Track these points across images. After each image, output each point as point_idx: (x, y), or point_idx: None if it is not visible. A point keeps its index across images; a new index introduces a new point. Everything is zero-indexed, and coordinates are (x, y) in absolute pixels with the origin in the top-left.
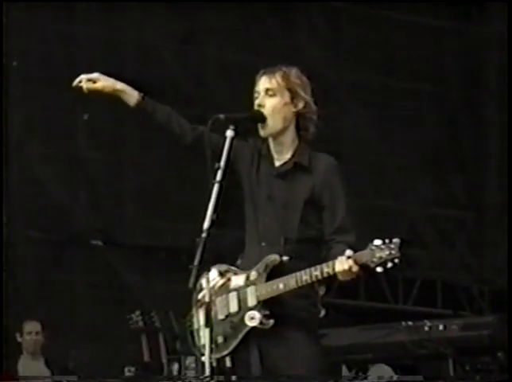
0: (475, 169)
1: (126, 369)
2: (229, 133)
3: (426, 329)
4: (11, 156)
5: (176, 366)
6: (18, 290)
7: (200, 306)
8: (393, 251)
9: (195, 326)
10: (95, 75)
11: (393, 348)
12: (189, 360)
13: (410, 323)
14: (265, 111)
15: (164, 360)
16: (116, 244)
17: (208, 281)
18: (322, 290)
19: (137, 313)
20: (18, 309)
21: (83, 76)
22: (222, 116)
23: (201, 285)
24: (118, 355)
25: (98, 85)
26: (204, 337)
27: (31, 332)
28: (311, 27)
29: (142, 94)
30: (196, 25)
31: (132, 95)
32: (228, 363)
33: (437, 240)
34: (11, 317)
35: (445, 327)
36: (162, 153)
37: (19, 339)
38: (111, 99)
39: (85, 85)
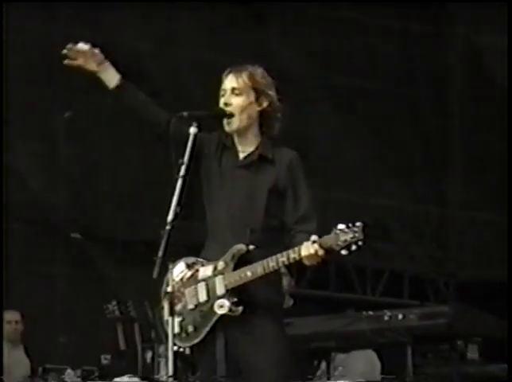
0: (439, 165)
1: (103, 357)
2: (192, 130)
3: (386, 318)
4: None
5: (149, 354)
6: None
7: (168, 299)
8: (356, 234)
9: (165, 318)
10: (81, 44)
11: (354, 337)
12: (162, 349)
13: (371, 313)
14: (232, 109)
15: (139, 349)
16: (94, 237)
17: (172, 274)
18: (287, 281)
19: (114, 303)
20: None
21: (70, 46)
22: (185, 113)
23: (171, 276)
24: (94, 343)
25: (84, 47)
26: (169, 327)
27: (11, 321)
28: (283, 30)
29: (122, 77)
30: (172, 24)
31: (114, 76)
32: (194, 352)
33: (404, 234)
34: None
35: (404, 316)
36: (140, 149)
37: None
38: (92, 77)
39: (74, 47)
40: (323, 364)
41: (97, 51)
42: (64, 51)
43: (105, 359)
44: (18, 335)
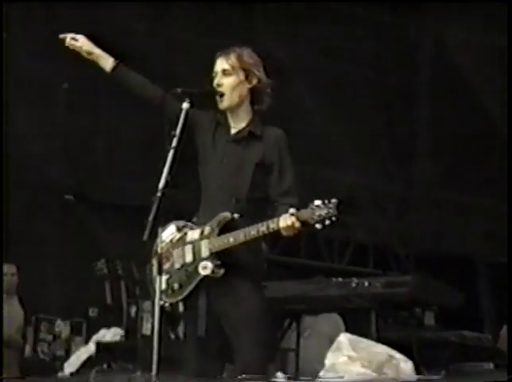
0: (407, 147)
1: (90, 310)
2: (184, 105)
3: (353, 285)
4: None
5: (134, 309)
6: None
7: (158, 259)
8: (331, 210)
9: (154, 275)
10: (78, 35)
11: (324, 301)
12: (146, 304)
13: (340, 279)
14: (223, 89)
15: (124, 304)
16: (87, 200)
17: (162, 235)
18: (265, 248)
19: (103, 261)
20: None
21: (69, 34)
22: (179, 90)
23: (160, 239)
24: (83, 297)
25: (78, 44)
26: (158, 284)
27: (7, 273)
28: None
29: (117, 60)
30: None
31: (107, 61)
32: (181, 308)
33: (371, 210)
34: None
35: (370, 284)
36: (134, 120)
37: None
38: (90, 63)
39: (68, 41)
40: (294, 326)
41: (86, 42)
42: (62, 37)
43: (92, 312)
44: (14, 287)
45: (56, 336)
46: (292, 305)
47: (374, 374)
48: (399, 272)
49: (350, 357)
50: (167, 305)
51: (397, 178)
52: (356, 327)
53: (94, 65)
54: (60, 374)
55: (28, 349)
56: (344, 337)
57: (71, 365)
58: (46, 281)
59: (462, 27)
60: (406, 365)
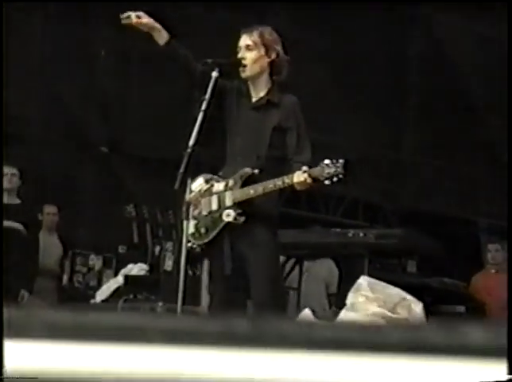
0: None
1: (120, 247)
2: (214, 73)
3: (350, 235)
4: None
5: (157, 248)
6: (37, 182)
7: (187, 206)
8: (338, 169)
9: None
10: (141, 13)
11: (324, 247)
12: (168, 244)
13: (338, 230)
14: (246, 62)
15: (150, 243)
16: (119, 152)
17: (191, 186)
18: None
19: (131, 205)
20: (38, 194)
21: (132, 13)
22: (209, 60)
23: (190, 189)
24: (113, 236)
25: (143, 20)
26: (188, 228)
27: (49, 213)
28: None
29: (171, 35)
30: None
31: (163, 35)
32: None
33: (364, 171)
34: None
35: (365, 234)
36: (166, 83)
37: (40, 218)
38: (147, 35)
39: (134, 19)
40: (297, 268)
41: (147, 18)
42: (123, 18)
43: (122, 249)
44: (54, 225)
45: (89, 268)
46: (296, 251)
47: (389, 313)
48: (385, 225)
49: (367, 298)
50: (195, 246)
51: (388, 143)
52: (350, 271)
53: (150, 38)
54: (92, 301)
55: (65, 279)
56: (363, 280)
57: (102, 294)
58: (83, 221)
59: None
60: (417, 306)
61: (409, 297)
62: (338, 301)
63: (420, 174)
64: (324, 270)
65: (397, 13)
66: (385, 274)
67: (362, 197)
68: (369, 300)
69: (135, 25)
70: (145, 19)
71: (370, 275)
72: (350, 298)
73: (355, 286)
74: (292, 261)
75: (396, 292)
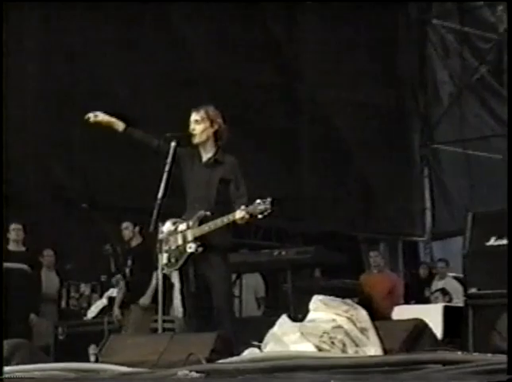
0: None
1: (102, 276)
2: (173, 143)
3: (275, 254)
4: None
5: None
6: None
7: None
8: (267, 206)
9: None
10: (97, 112)
11: (258, 264)
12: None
13: (267, 250)
14: (196, 132)
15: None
16: (96, 207)
17: (162, 228)
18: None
19: (108, 245)
20: (38, 242)
21: (90, 114)
22: (168, 134)
23: (162, 231)
24: (96, 268)
25: (99, 118)
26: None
27: (47, 255)
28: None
29: (126, 125)
30: None
31: (120, 125)
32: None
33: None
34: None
35: (287, 252)
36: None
37: (41, 259)
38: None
39: (92, 118)
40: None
41: (103, 115)
42: (86, 117)
43: (103, 278)
44: (52, 264)
45: (81, 294)
46: (237, 268)
47: (345, 314)
48: (291, 245)
49: (326, 304)
50: (167, 272)
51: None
52: (277, 282)
53: (109, 129)
54: (84, 318)
55: (63, 303)
56: (316, 299)
57: (91, 313)
58: (73, 259)
59: None
60: (362, 311)
61: (355, 304)
62: (266, 302)
63: (315, 204)
64: (253, 281)
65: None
66: (301, 280)
67: (274, 224)
68: (327, 306)
69: (95, 122)
70: (101, 116)
71: (292, 282)
72: (311, 315)
73: (312, 305)
74: (234, 276)
75: (345, 301)
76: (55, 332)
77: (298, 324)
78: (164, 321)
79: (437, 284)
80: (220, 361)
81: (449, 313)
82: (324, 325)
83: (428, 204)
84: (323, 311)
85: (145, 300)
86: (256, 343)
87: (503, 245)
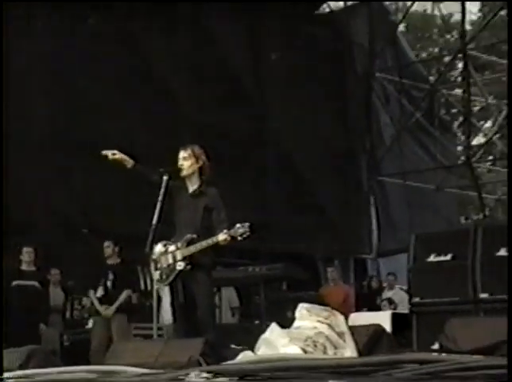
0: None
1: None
2: (165, 177)
3: (250, 270)
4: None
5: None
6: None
7: (154, 262)
8: (246, 229)
9: (152, 271)
10: (115, 151)
11: (234, 280)
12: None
13: (242, 268)
14: (183, 167)
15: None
16: (95, 232)
17: (155, 249)
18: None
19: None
20: (46, 263)
21: (109, 152)
22: (162, 169)
23: (155, 251)
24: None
25: (117, 156)
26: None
27: (54, 274)
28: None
29: (134, 162)
30: None
31: (130, 162)
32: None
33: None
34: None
35: (260, 269)
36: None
37: (49, 277)
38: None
39: (110, 156)
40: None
41: (119, 155)
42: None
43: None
44: (58, 281)
45: (83, 306)
46: (218, 282)
47: (326, 320)
48: (261, 263)
49: (310, 313)
50: (159, 287)
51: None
52: (250, 295)
53: (120, 164)
54: (86, 327)
55: (68, 314)
56: (301, 307)
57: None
58: (75, 276)
59: None
60: (340, 317)
61: (334, 311)
62: (240, 311)
63: (280, 228)
64: (228, 293)
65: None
66: (271, 293)
67: (246, 245)
68: (310, 313)
69: (112, 159)
70: (118, 155)
71: (265, 294)
72: (297, 322)
73: (298, 313)
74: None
75: (324, 308)
76: (61, 339)
77: (286, 330)
78: (151, 328)
79: (387, 294)
80: (225, 363)
81: (396, 319)
82: (308, 332)
83: (374, 227)
84: (307, 319)
85: (109, 311)
86: (234, 346)
87: (441, 261)
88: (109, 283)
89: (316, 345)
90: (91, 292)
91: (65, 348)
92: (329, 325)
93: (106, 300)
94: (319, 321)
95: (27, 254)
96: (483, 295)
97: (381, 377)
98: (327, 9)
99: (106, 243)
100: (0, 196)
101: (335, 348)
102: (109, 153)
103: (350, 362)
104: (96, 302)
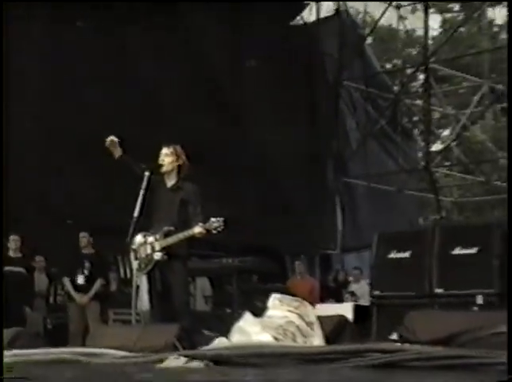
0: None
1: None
2: (146, 173)
3: (224, 261)
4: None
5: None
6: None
7: (134, 252)
8: (220, 224)
9: (132, 261)
10: (115, 138)
11: (208, 270)
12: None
13: (216, 259)
14: (164, 163)
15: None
16: (80, 223)
17: (135, 240)
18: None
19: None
20: (32, 250)
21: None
22: (144, 165)
23: (135, 242)
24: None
25: (114, 141)
26: (134, 265)
27: (39, 260)
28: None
29: (122, 153)
30: None
31: (118, 151)
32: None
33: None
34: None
35: (233, 261)
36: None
37: (34, 264)
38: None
39: (109, 139)
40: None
41: (115, 140)
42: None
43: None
44: (42, 267)
45: (65, 292)
46: (193, 272)
47: (296, 310)
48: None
49: (281, 303)
50: (138, 275)
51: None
52: (223, 284)
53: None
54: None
55: (51, 299)
56: (274, 297)
57: None
58: (59, 263)
59: None
60: (309, 307)
61: (304, 302)
62: (212, 299)
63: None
64: (201, 282)
65: None
66: (243, 284)
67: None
68: (282, 303)
69: (110, 141)
70: (115, 140)
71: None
72: (269, 311)
73: (271, 303)
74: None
75: (295, 299)
76: (44, 322)
77: (259, 319)
78: (130, 314)
79: (352, 287)
80: (202, 348)
81: (358, 311)
82: (279, 321)
83: (339, 224)
84: (279, 309)
85: (84, 299)
86: (207, 332)
87: (401, 258)
88: (86, 272)
89: (286, 334)
90: (66, 279)
91: (48, 331)
92: (299, 315)
93: (82, 288)
94: (289, 310)
95: (13, 241)
96: (438, 290)
97: (345, 365)
98: (301, 22)
99: (81, 234)
100: (0, 196)
101: (305, 336)
102: (112, 137)
103: (318, 350)
104: (71, 290)
